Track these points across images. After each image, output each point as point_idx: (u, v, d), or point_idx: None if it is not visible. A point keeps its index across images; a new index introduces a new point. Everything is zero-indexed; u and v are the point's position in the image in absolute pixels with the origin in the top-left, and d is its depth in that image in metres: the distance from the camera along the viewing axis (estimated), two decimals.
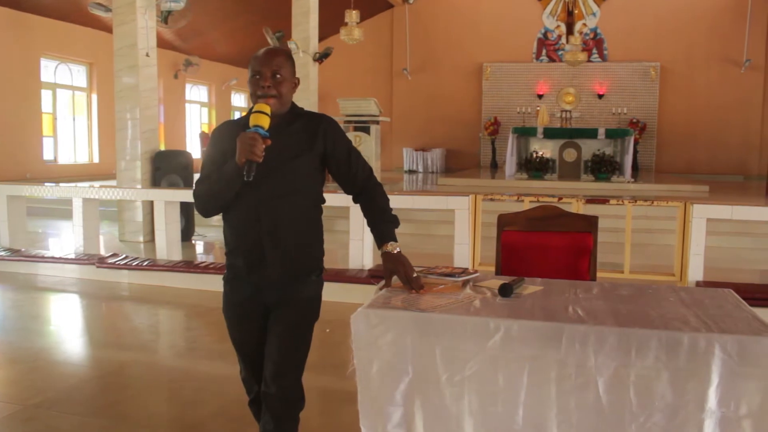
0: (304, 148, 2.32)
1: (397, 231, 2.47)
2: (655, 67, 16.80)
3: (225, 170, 2.25)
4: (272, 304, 2.38)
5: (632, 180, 12.79)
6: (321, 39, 13.36)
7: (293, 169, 2.30)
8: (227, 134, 2.34)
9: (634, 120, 16.58)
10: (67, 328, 5.52)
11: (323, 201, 2.46)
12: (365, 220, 2.53)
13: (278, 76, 2.28)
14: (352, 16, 13.33)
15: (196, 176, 2.47)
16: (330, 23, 14.54)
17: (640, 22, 16.78)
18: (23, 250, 7.45)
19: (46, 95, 13.97)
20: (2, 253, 7.25)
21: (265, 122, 2.21)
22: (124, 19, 8.85)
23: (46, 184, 8.37)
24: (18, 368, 4.31)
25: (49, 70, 14.07)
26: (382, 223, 2.44)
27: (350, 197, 2.55)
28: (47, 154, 14.10)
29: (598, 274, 3.27)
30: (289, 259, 2.34)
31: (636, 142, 14.81)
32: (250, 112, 2.30)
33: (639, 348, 1.92)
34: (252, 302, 2.40)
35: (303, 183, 2.34)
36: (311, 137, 2.34)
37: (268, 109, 2.24)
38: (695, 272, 5.52)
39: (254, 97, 2.29)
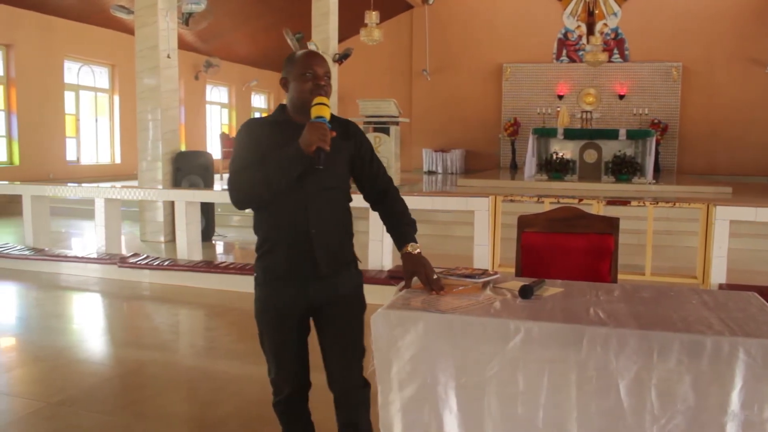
0: (338, 147, 2.34)
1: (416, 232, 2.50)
2: (677, 68, 16.64)
3: (285, 158, 2.25)
4: (320, 302, 2.39)
5: (654, 181, 12.67)
6: (341, 40, 13.38)
7: (333, 167, 2.34)
8: (261, 129, 2.38)
9: (656, 121, 16.43)
10: (88, 327, 5.57)
11: (351, 200, 2.51)
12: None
13: (328, 78, 2.37)
14: (372, 17, 13.34)
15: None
16: (350, 24, 14.57)
17: (662, 22, 16.62)
18: (46, 249, 7.54)
19: (69, 96, 14.13)
20: (26, 253, 7.34)
21: (327, 113, 2.27)
22: (146, 21, 8.93)
23: (68, 184, 8.46)
24: (40, 366, 4.36)
25: (72, 71, 14.23)
26: (403, 226, 2.49)
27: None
28: (70, 155, 14.25)
29: (619, 276, 3.24)
30: (334, 252, 2.39)
31: (657, 143, 14.67)
32: (279, 110, 2.42)
33: (661, 351, 1.90)
34: (294, 304, 2.39)
35: (340, 180, 2.41)
36: (343, 139, 2.38)
37: (328, 102, 2.30)
38: (718, 275, 5.45)
39: (304, 93, 2.33)
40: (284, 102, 2.47)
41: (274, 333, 2.44)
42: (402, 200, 2.55)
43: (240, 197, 2.34)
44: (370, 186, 2.52)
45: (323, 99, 2.29)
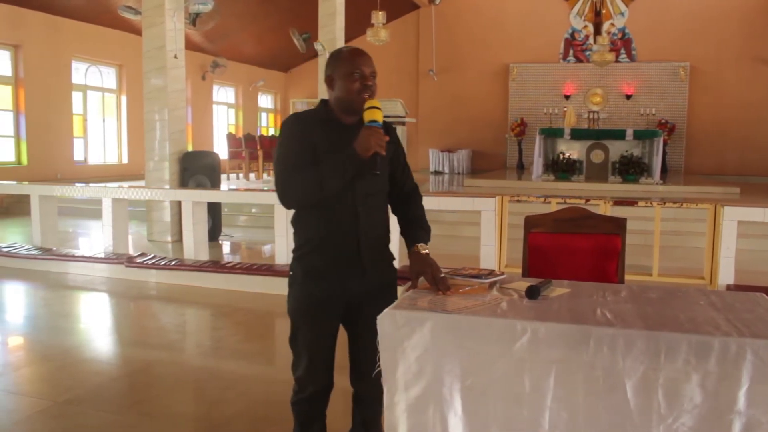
0: (386, 150, 2.35)
1: None
2: (685, 67, 16.57)
3: (341, 162, 2.26)
4: (358, 299, 2.41)
5: (661, 182, 12.63)
6: (347, 40, 13.38)
7: (382, 166, 2.35)
8: (310, 127, 2.36)
9: (663, 121, 16.36)
10: (96, 326, 5.59)
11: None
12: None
13: (374, 77, 2.37)
14: (379, 17, 13.34)
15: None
16: (356, 24, 14.57)
17: (669, 22, 16.56)
18: (54, 249, 7.57)
19: (76, 97, 14.17)
20: (34, 252, 7.37)
21: (381, 117, 2.29)
22: (153, 22, 8.96)
23: (76, 184, 8.49)
24: (48, 365, 4.38)
25: (79, 72, 14.28)
26: (417, 229, 2.51)
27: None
28: (78, 155, 14.30)
29: (626, 277, 3.23)
30: (378, 254, 2.46)
31: (665, 144, 14.61)
32: (322, 106, 2.41)
33: (668, 352, 1.89)
34: (333, 301, 2.42)
35: (384, 181, 2.45)
36: (388, 141, 2.37)
37: (380, 104, 2.31)
38: (726, 275, 5.43)
39: (351, 94, 2.32)
40: (325, 98, 2.46)
41: (310, 329, 2.46)
42: (422, 207, 2.60)
43: (290, 198, 2.35)
44: (398, 189, 2.55)
45: (376, 102, 2.30)
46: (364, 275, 2.41)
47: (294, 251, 2.47)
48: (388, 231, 2.54)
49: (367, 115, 2.28)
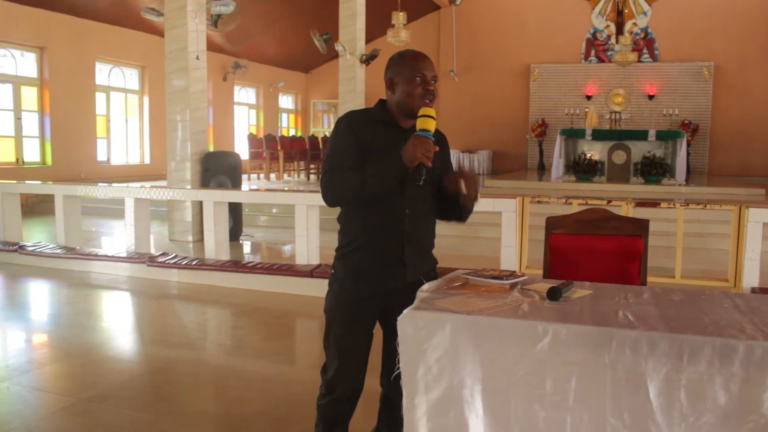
0: (435, 157, 2.34)
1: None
2: (709, 67, 16.38)
3: (385, 169, 2.26)
4: (398, 297, 2.37)
5: (684, 183, 12.49)
6: (368, 41, 13.39)
7: (430, 176, 2.35)
8: (365, 127, 2.35)
9: (686, 121, 16.19)
10: (118, 324, 5.65)
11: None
12: None
13: (435, 81, 2.36)
14: (399, 17, 13.34)
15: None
16: (377, 25, 14.59)
17: (693, 21, 16.38)
18: (77, 248, 7.65)
19: (100, 98, 14.33)
20: (58, 251, 7.46)
21: (433, 126, 2.28)
22: (176, 23, 9.02)
23: (99, 184, 8.59)
24: (72, 363, 4.43)
25: (103, 73, 14.44)
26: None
27: None
28: (101, 155, 14.45)
29: (649, 279, 3.20)
30: (421, 256, 2.45)
31: (688, 144, 14.46)
32: (380, 106, 2.41)
33: (691, 354, 1.87)
34: (370, 301, 2.43)
35: (434, 188, 2.42)
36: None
37: (434, 113, 2.30)
38: (750, 278, 5.36)
39: (413, 98, 2.32)
40: (383, 98, 2.46)
41: (347, 329, 2.46)
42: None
43: (333, 197, 2.36)
44: (445, 198, 2.51)
45: (431, 111, 2.29)
46: (405, 277, 2.41)
47: (337, 250, 2.48)
48: (433, 236, 2.53)
49: (419, 123, 2.26)
